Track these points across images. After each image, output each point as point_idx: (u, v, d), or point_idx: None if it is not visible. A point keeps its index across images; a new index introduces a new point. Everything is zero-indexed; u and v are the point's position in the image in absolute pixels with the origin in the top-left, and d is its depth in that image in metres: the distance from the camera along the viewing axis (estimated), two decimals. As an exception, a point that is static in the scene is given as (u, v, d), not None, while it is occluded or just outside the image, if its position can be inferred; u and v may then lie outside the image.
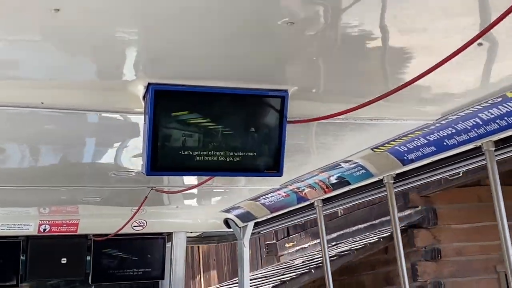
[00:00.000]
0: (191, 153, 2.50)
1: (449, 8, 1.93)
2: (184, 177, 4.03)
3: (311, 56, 2.27)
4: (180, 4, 1.80)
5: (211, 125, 2.51)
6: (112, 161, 3.61)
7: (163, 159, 2.47)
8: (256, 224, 5.78)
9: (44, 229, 5.37)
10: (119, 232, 5.34)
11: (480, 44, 2.18)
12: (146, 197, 4.41)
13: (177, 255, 5.98)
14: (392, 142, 3.40)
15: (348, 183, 4.15)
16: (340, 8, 1.89)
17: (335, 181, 4.22)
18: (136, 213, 4.74)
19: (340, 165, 3.92)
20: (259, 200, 5.09)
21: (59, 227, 5.41)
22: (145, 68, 2.32)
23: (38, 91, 2.41)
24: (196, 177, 3.94)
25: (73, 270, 5.62)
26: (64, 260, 5.56)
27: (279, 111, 2.57)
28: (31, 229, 5.32)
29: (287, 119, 2.60)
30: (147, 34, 2.02)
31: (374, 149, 3.54)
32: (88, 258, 5.68)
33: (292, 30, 2.00)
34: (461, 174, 3.55)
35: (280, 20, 1.94)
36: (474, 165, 3.35)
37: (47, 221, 5.35)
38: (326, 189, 4.38)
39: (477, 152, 3.16)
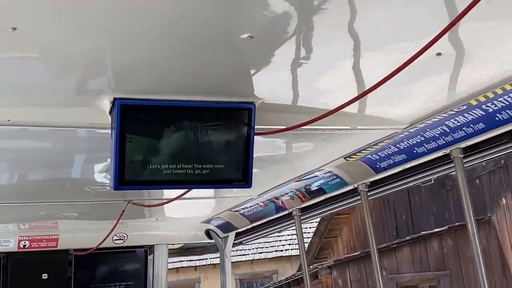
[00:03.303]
0: (159, 167, 2.50)
1: (408, 21, 1.97)
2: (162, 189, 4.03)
3: (274, 69, 2.29)
4: (143, 20, 1.82)
5: (178, 139, 2.52)
6: (86, 176, 3.61)
7: (130, 174, 2.46)
8: (238, 234, 5.80)
9: (24, 245, 5.37)
10: (100, 246, 5.33)
11: (439, 54, 2.22)
12: (124, 210, 4.41)
13: (159, 268, 5.97)
14: (363, 151, 3.43)
15: (324, 192, 4.17)
16: (301, 21, 1.92)
17: (312, 190, 4.25)
18: (114, 227, 4.73)
19: (315, 174, 3.94)
20: (239, 211, 5.10)
21: (39, 243, 5.41)
22: (111, 83, 2.33)
23: (4, 109, 2.42)
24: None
25: (54, 286, 5.58)
26: (45, 276, 5.54)
27: (247, 123, 2.59)
28: (11, 246, 5.32)
29: (255, 131, 2.62)
30: (112, 50, 2.03)
31: (347, 158, 3.57)
32: (70, 273, 5.67)
33: (252, 43, 2.03)
34: (432, 181, 3.58)
35: (240, 34, 1.96)
36: (445, 172, 3.39)
37: (26, 237, 5.36)
38: (303, 198, 4.40)
39: (446, 159, 3.20)
